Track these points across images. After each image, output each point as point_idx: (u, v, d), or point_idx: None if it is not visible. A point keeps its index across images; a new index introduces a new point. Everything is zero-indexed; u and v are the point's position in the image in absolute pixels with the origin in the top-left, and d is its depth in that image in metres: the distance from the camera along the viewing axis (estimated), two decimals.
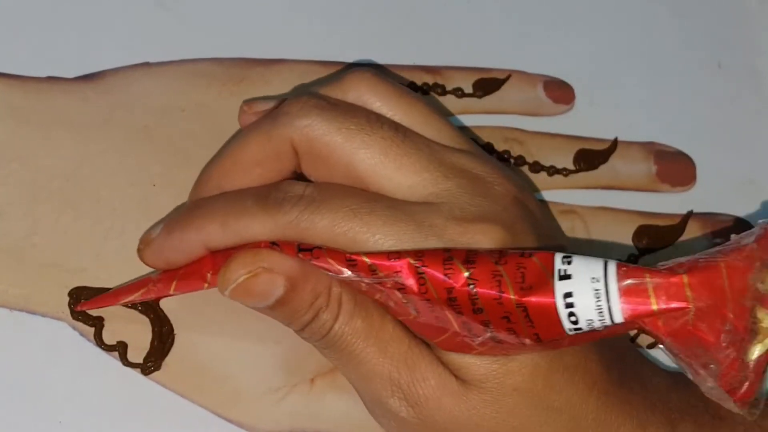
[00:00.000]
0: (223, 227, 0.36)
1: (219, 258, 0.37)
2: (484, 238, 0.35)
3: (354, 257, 0.34)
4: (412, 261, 0.34)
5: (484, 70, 0.49)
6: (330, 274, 0.35)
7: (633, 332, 0.43)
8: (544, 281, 0.32)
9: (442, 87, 0.48)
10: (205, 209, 0.37)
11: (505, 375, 0.35)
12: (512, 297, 0.33)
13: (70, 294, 0.41)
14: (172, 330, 0.41)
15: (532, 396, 0.36)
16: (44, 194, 0.43)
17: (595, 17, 0.49)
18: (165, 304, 0.42)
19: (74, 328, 0.41)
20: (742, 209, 0.48)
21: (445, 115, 0.45)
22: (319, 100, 0.37)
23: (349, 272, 0.35)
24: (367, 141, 0.36)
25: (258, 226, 0.36)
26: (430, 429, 0.37)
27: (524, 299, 0.32)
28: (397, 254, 0.34)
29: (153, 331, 0.41)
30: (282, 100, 0.39)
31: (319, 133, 0.36)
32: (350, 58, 0.47)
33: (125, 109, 0.44)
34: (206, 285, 0.37)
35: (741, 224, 0.47)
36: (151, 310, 0.42)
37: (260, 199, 0.36)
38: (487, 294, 0.33)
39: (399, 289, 0.34)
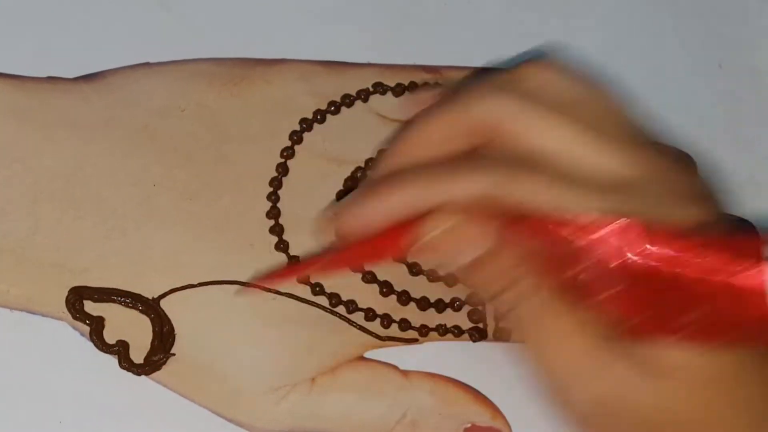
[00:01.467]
0: (428, 186, 0.36)
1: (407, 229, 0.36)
2: (688, 213, 0.34)
3: (563, 222, 0.33)
4: (621, 228, 0.33)
5: (484, 69, 0.49)
6: (531, 241, 0.34)
7: None
8: (754, 263, 0.32)
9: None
10: (407, 173, 0.37)
11: (699, 366, 0.34)
12: (719, 278, 0.32)
13: (71, 293, 0.41)
14: (173, 330, 0.41)
15: (726, 387, 0.35)
16: (46, 194, 0.43)
17: (594, 17, 0.49)
18: (165, 305, 0.42)
19: (75, 329, 0.41)
20: (743, 209, 0.47)
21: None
22: (509, 83, 0.37)
23: (552, 239, 0.34)
24: (560, 121, 0.36)
25: (467, 183, 0.35)
26: (611, 418, 0.36)
27: (733, 279, 0.32)
28: (608, 221, 0.33)
29: (153, 331, 0.41)
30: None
31: (513, 110, 0.36)
32: (351, 58, 0.47)
33: (126, 109, 0.44)
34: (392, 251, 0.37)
35: (743, 224, 0.47)
36: (152, 310, 0.42)
37: (466, 160, 0.36)
38: (692, 272, 0.32)
39: (603, 259, 0.33)
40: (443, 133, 0.38)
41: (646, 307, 0.34)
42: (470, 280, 0.36)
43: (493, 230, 0.35)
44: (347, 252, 0.38)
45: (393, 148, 0.39)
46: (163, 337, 0.41)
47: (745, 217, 0.47)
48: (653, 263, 0.33)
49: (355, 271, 0.42)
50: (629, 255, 0.33)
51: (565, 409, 0.37)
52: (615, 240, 0.33)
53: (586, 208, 0.34)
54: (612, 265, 0.33)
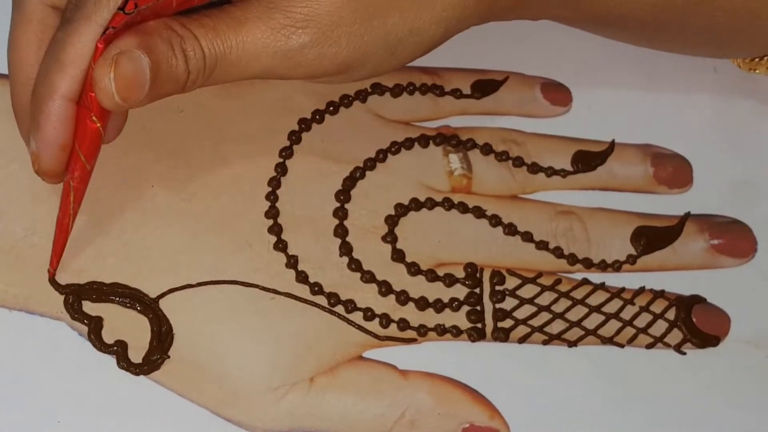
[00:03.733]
0: (61, 69, 0.36)
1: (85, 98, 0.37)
2: None
3: None
4: None
5: (482, 71, 0.49)
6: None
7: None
8: None
9: (441, 88, 0.48)
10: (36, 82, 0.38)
11: None
12: None
13: (69, 294, 0.41)
14: (171, 329, 0.41)
15: None
16: (44, 195, 0.43)
17: None
18: (164, 305, 0.42)
19: (73, 328, 0.41)
20: (738, 211, 0.48)
21: None
22: None
23: None
24: None
25: (75, 37, 0.36)
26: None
27: None
28: None
29: (152, 330, 0.41)
30: None
31: None
32: None
33: None
34: (95, 122, 0.37)
35: (738, 225, 0.47)
36: (150, 310, 0.42)
37: (63, 17, 0.37)
38: None
39: None
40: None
41: None
42: (167, 86, 0.37)
43: (132, 35, 0.36)
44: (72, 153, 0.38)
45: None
46: (162, 337, 0.41)
47: (741, 219, 0.47)
48: None
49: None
50: None
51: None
52: None
53: None
54: None
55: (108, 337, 0.41)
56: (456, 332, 0.43)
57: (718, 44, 0.46)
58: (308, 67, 0.38)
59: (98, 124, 0.37)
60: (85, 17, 0.36)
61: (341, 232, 0.44)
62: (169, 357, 0.41)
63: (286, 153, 0.45)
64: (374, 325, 0.43)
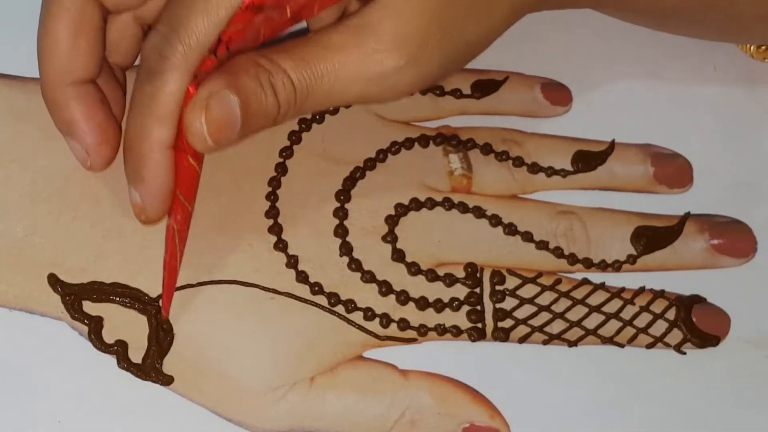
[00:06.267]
0: (159, 122, 0.36)
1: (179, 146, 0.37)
2: None
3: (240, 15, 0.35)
4: None
5: (481, 71, 0.49)
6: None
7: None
8: None
9: (441, 88, 0.48)
10: (131, 134, 0.38)
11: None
12: None
13: (69, 293, 0.41)
14: (171, 329, 0.41)
15: None
16: (44, 195, 0.43)
17: (592, 20, 0.49)
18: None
19: (73, 328, 0.41)
20: (738, 210, 0.48)
21: None
22: None
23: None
24: None
25: (168, 89, 0.36)
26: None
27: None
28: None
29: (150, 330, 0.41)
30: None
31: None
32: None
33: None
34: (192, 164, 0.38)
35: (738, 225, 0.47)
36: (150, 310, 0.42)
37: (147, 66, 0.37)
38: None
39: None
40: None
41: None
42: (259, 121, 0.37)
43: (221, 74, 0.36)
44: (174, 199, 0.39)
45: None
46: (161, 337, 0.41)
47: (741, 218, 0.47)
48: None
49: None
50: None
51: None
52: None
53: None
54: None
55: (108, 337, 0.41)
56: (456, 332, 0.43)
57: (738, 30, 0.46)
58: (404, 88, 0.38)
59: (195, 165, 0.38)
60: (175, 67, 0.36)
61: (341, 232, 0.44)
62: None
63: (287, 153, 0.46)
64: (374, 325, 0.43)
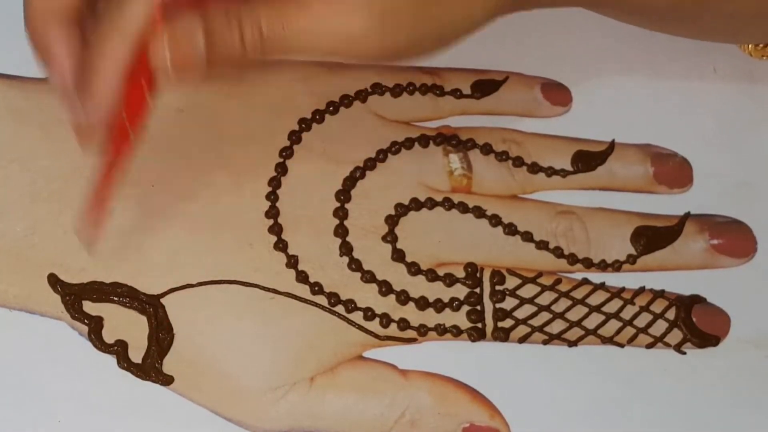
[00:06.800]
0: (120, 38, 0.35)
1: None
2: None
3: None
4: None
5: (482, 71, 0.49)
6: None
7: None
8: None
9: (441, 88, 0.48)
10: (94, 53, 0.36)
11: None
12: None
13: (69, 293, 0.41)
14: (171, 329, 0.41)
15: None
16: (44, 195, 0.43)
17: (592, 20, 0.49)
18: (165, 304, 0.42)
19: (73, 328, 0.41)
20: (738, 210, 0.48)
21: None
22: None
23: None
24: None
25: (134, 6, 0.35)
26: None
27: None
28: None
29: (150, 330, 0.41)
30: None
31: None
32: None
33: None
34: (147, 93, 0.37)
35: (738, 225, 0.47)
36: (150, 310, 0.42)
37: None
38: None
39: None
40: None
41: None
42: (227, 57, 0.36)
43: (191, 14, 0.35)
44: (118, 123, 0.37)
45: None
46: (161, 337, 0.41)
47: (741, 219, 0.47)
48: None
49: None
50: None
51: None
52: None
53: None
54: None
55: (108, 336, 0.41)
56: (456, 332, 0.43)
57: (735, 29, 0.46)
58: (370, 51, 0.37)
59: (147, 93, 0.37)
60: None
61: (341, 231, 0.44)
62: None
63: (287, 153, 0.46)
64: (374, 325, 0.43)
